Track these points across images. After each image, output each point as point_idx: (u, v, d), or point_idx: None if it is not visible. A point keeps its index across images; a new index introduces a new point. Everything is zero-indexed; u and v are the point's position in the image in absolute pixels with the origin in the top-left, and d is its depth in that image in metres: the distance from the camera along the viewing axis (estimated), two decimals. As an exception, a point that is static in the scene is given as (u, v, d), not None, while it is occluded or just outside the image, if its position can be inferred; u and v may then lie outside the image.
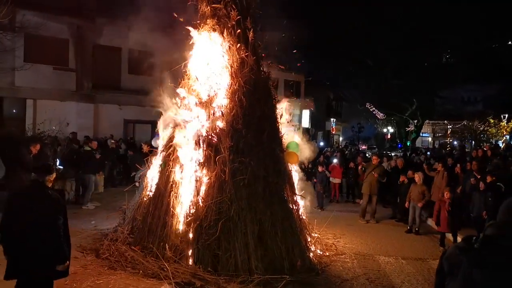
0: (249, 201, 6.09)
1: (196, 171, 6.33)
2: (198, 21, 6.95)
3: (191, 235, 5.96)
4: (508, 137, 30.73)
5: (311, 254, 6.78)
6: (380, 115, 39.88)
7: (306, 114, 30.15)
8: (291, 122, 8.33)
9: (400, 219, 10.48)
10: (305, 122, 29.67)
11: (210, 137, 6.41)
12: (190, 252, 5.89)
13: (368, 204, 10.44)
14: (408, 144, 34.98)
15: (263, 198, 6.22)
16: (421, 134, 39.85)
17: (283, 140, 7.33)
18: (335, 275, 6.39)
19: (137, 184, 8.40)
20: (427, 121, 38.42)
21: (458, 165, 11.14)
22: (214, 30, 6.78)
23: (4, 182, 7.62)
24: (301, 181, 8.13)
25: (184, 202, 6.27)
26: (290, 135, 7.79)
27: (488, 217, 8.23)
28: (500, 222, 1.97)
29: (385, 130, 45.92)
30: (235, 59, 6.64)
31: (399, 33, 28.67)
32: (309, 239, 7.22)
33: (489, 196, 8.26)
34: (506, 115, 30.48)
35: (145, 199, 7.10)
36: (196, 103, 6.67)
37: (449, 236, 8.48)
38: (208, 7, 6.83)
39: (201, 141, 6.43)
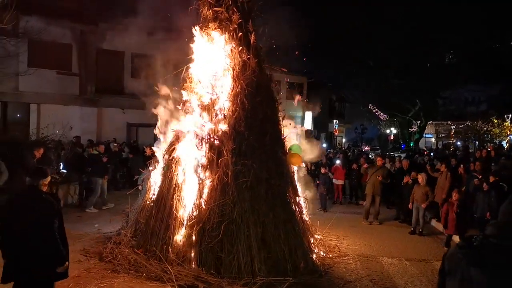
0: (252, 204, 6.10)
1: (198, 173, 6.35)
2: (200, 25, 6.98)
3: (194, 238, 5.97)
4: (512, 137, 30.58)
5: (314, 256, 6.78)
6: (383, 116, 39.82)
7: (309, 116, 30.12)
8: (294, 124, 8.34)
9: (404, 220, 10.45)
10: (308, 124, 29.63)
11: (212, 139, 6.43)
12: (193, 254, 5.90)
13: (372, 205, 10.41)
14: (411, 145, 34.88)
15: (265, 200, 6.23)
16: (424, 135, 39.72)
17: (285, 142, 7.35)
18: (338, 277, 6.38)
19: (139, 187, 8.43)
20: (430, 121, 38.30)
21: (462, 165, 11.10)
22: (216, 33, 6.80)
23: (8, 186, 7.67)
24: (304, 183, 8.13)
25: (187, 205, 6.29)
26: (294, 138, 7.81)
27: (492, 217, 8.20)
28: (500, 221, 1.98)
29: (388, 131, 45.81)
30: (237, 61, 6.67)
31: (400, 33, 28.66)
32: (312, 241, 7.22)
33: (492, 196, 8.23)
34: (510, 115, 30.34)
35: (148, 202, 7.12)
36: (198, 106, 6.70)
37: (456, 238, 8.35)
38: (210, 11, 6.86)
39: (203, 144, 6.45)
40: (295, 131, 8.43)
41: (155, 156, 7.79)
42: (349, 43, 29.77)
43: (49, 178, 4.06)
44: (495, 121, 30.58)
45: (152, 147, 8.23)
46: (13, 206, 3.89)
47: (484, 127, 30.79)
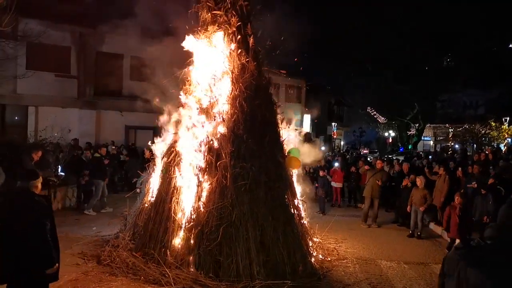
0: (251, 206, 6.09)
1: (197, 176, 6.34)
2: (199, 28, 7.00)
3: (192, 241, 5.96)
4: (510, 140, 30.62)
5: (313, 259, 6.78)
6: (381, 119, 39.87)
7: (307, 119, 30.18)
8: (293, 127, 8.34)
9: (402, 223, 10.45)
10: (307, 127, 29.69)
11: (211, 142, 6.43)
12: (191, 258, 5.89)
13: (370, 208, 10.42)
14: (409, 147, 34.93)
15: (264, 203, 6.23)
16: (422, 138, 39.78)
17: (284, 145, 7.35)
18: (337, 280, 6.37)
19: (138, 190, 8.42)
20: (428, 124, 38.38)
21: (460, 168, 11.12)
22: (215, 36, 6.82)
23: (5, 189, 7.64)
24: (303, 186, 8.14)
25: (186, 208, 6.28)
26: (294, 142, 7.82)
27: (489, 220, 8.20)
28: (499, 224, 1.99)
29: (386, 134, 45.86)
30: (236, 64, 6.68)
31: (399, 34, 28.68)
32: (310, 244, 7.21)
33: (489, 199, 8.24)
34: (508, 118, 30.41)
35: (146, 205, 7.11)
36: (197, 109, 6.70)
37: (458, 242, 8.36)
38: (209, 14, 6.88)
39: (202, 147, 6.45)
40: (294, 134, 8.43)
41: (153, 159, 7.78)
42: (347, 44, 29.81)
43: (40, 180, 4.03)
44: (493, 124, 30.65)
45: (151, 149, 8.23)
46: (5, 208, 3.88)
47: (482, 130, 30.84)
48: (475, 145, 31.00)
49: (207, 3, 6.88)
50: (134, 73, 18.01)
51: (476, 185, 9.03)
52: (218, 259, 5.81)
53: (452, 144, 35.41)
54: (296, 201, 7.21)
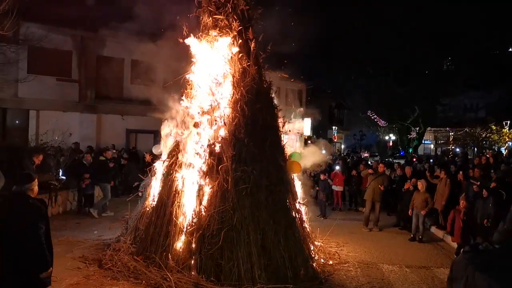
0: (252, 210, 6.09)
1: (198, 180, 6.35)
2: (200, 32, 7.02)
3: (193, 245, 5.95)
4: (510, 143, 30.60)
5: (315, 263, 6.75)
6: (382, 122, 39.90)
7: (307, 122, 30.18)
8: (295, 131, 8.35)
9: (404, 227, 10.43)
10: (307, 130, 29.69)
11: (212, 146, 6.44)
12: (192, 261, 5.88)
13: (371, 212, 10.40)
14: (410, 151, 34.92)
15: (266, 207, 6.23)
16: (423, 141, 39.79)
17: (285, 148, 7.36)
18: (339, 284, 6.35)
19: (140, 194, 8.42)
20: (429, 128, 38.38)
21: (461, 172, 11.11)
22: (216, 40, 6.84)
23: (5, 193, 7.64)
24: (304, 189, 8.14)
25: (187, 212, 6.28)
26: (294, 145, 7.83)
27: (489, 224, 8.16)
28: (507, 228, 1.99)
29: (387, 137, 45.88)
30: (237, 68, 6.70)
31: (399, 36, 28.69)
32: (312, 248, 7.20)
33: (490, 203, 8.22)
34: (508, 122, 30.40)
35: (147, 208, 7.11)
36: (198, 113, 6.72)
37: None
38: (210, 18, 6.91)
39: (203, 150, 6.45)
40: (295, 137, 8.45)
41: (154, 162, 7.79)
42: (347, 44, 29.84)
43: (36, 183, 4.01)
44: (494, 127, 30.64)
45: (152, 152, 8.24)
46: (2, 209, 3.88)
47: (483, 133, 30.84)
48: (475, 149, 30.99)
49: (209, 8, 6.91)
50: (134, 77, 18.06)
51: (477, 188, 8.99)
52: (219, 263, 5.80)
53: (453, 147, 35.41)
54: (297, 205, 7.21)
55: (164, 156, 7.34)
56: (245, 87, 6.61)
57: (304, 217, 7.48)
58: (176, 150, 6.91)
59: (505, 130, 30.46)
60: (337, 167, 13.49)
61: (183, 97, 7.05)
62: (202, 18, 7.08)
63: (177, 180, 6.55)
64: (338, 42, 29.46)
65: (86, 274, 6.11)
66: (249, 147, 6.37)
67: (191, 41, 6.88)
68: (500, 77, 31.29)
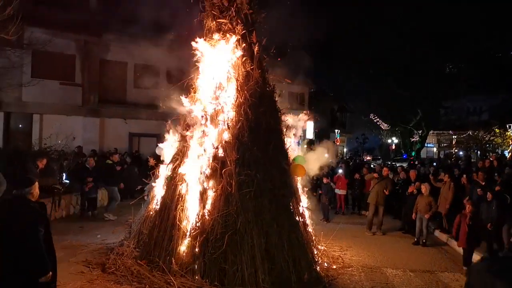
0: (256, 214, 6.08)
1: (202, 184, 6.35)
2: (204, 36, 7.04)
3: (197, 249, 5.94)
4: (514, 146, 30.47)
5: (318, 267, 6.73)
6: (384, 125, 39.83)
7: (310, 125, 30.17)
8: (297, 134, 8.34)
9: (407, 231, 10.39)
10: (310, 134, 29.68)
11: (216, 150, 6.44)
12: (196, 266, 5.86)
13: (375, 216, 10.37)
14: (413, 154, 34.82)
15: (269, 211, 6.21)
16: (426, 145, 39.66)
17: (289, 152, 7.36)
18: (343, 288, 6.33)
19: (145, 197, 8.43)
20: (431, 131, 38.28)
21: (464, 175, 11.07)
22: (220, 44, 6.86)
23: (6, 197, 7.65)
24: (307, 193, 8.12)
25: (191, 216, 6.27)
26: (297, 148, 7.84)
27: (493, 228, 8.12)
28: None
29: (389, 140, 45.78)
30: (241, 72, 6.71)
31: (399, 36, 28.64)
32: (315, 252, 7.18)
33: (493, 206, 8.17)
34: (512, 125, 30.35)
35: (151, 212, 7.11)
36: (202, 116, 6.73)
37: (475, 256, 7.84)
38: (214, 22, 6.93)
39: (207, 154, 6.46)
40: (298, 141, 8.44)
41: (158, 166, 7.80)
42: (348, 45, 29.76)
43: (36, 186, 4.00)
44: (497, 130, 30.52)
45: (155, 156, 8.26)
46: (2, 211, 3.88)
47: (486, 136, 30.73)
48: (479, 152, 30.88)
49: (212, 12, 6.93)
50: (138, 81, 18.13)
51: (481, 192, 8.96)
52: (223, 267, 5.77)
53: (456, 150, 35.30)
54: (300, 208, 7.20)
55: (167, 160, 7.34)
56: (249, 91, 6.62)
57: (308, 221, 7.47)
58: (179, 153, 6.92)
59: (508, 133, 30.34)
60: (340, 171, 13.47)
61: (187, 101, 7.06)
62: (205, 22, 7.10)
63: (181, 183, 6.55)
64: (338, 43, 29.40)
65: (89, 278, 6.10)
66: (253, 151, 6.37)
67: (199, 42, 6.87)
68: (503, 80, 31.19)
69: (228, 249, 5.79)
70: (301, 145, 8.55)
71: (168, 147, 7.58)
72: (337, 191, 12.94)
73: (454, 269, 7.68)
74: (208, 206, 6.18)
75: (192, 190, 6.41)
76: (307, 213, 7.53)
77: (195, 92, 7.06)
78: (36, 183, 4.03)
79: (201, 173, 6.42)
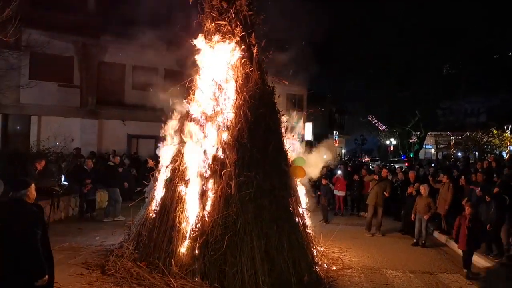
0: (255, 215, 6.07)
1: (202, 185, 6.34)
2: (203, 38, 7.04)
3: (197, 251, 5.93)
4: (512, 148, 30.52)
5: (318, 268, 6.73)
6: (382, 127, 39.90)
7: (308, 127, 30.21)
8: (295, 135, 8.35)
9: (406, 232, 10.39)
10: (308, 135, 29.71)
11: (215, 151, 6.44)
12: (196, 267, 5.85)
13: (374, 217, 10.37)
14: (411, 155, 34.88)
15: (269, 212, 6.21)
16: (424, 146, 39.73)
17: (288, 153, 7.36)
18: (343, 290, 6.32)
19: (146, 200, 8.41)
20: (429, 132, 38.33)
21: (463, 177, 11.09)
22: (219, 46, 6.86)
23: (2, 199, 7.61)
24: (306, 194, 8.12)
25: (190, 217, 6.26)
26: (296, 149, 7.83)
27: (493, 229, 8.12)
28: None
29: (388, 142, 45.87)
30: (240, 74, 6.72)
31: (400, 33, 28.63)
32: (315, 253, 7.18)
33: (492, 207, 8.18)
34: (510, 126, 30.33)
35: (150, 214, 7.09)
36: (201, 118, 6.72)
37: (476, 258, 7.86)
38: (213, 24, 6.93)
39: (207, 156, 6.45)
40: (296, 142, 8.45)
41: (157, 167, 7.77)
42: (348, 44, 29.71)
43: (33, 188, 3.96)
44: (495, 132, 30.59)
45: (154, 157, 8.24)
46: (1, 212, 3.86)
47: (484, 138, 30.79)
48: (477, 153, 30.94)
49: (211, 14, 6.94)
50: (136, 82, 18.12)
51: (480, 192, 8.97)
52: (223, 269, 5.77)
53: (454, 152, 35.36)
54: (300, 210, 7.19)
55: (166, 162, 7.33)
56: (248, 92, 6.62)
57: (308, 222, 7.46)
58: (179, 155, 6.91)
59: (506, 134, 30.40)
60: (339, 172, 13.48)
61: (186, 102, 7.06)
62: (204, 24, 7.10)
63: (180, 185, 6.54)
64: (338, 42, 29.32)
65: (89, 280, 6.08)
66: (252, 152, 6.36)
67: (193, 47, 6.88)
68: (501, 81, 31.27)
69: (228, 250, 5.78)
70: (300, 146, 8.56)
71: (167, 149, 7.56)
72: (336, 192, 12.95)
73: (453, 270, 7.68)
74: (208, 207, 6.18)
75: (191, 192, 6.40)
76: (306, 214, 7.52)
77: (194, 94, 7.05)
78: (33, 185, 3.99)
79: (200, 175, 6.42)
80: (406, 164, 25.31)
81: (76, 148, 15.26)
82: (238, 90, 6.66)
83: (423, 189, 9.53)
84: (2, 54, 13.14)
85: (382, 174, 10.88)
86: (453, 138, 37.56)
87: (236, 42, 6.80)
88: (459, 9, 27.06)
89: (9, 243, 3.67)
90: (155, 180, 7.62)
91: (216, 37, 6.87)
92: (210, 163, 6.40)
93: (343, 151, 46.53)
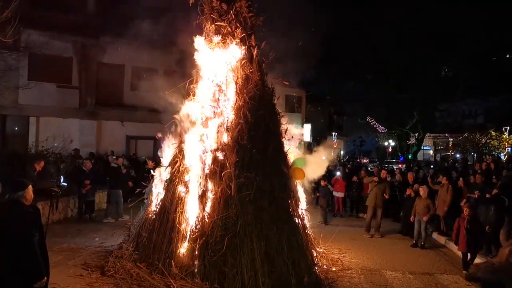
0: (255, 216, 6.07)
1: (202, 186, 6.34)
2: (203, 39, 7.05)
3: (197, 252, 5.92)
4: (510, 149, 30.58)
5: (318, 270, 6.73)
6: (381, 128, 39.96)
7: (307, 128, 30.22)
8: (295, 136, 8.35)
9: (406, 233, 10.41)
10: (307, 136, 29.72)
11: (215, 152, 6.44)
12: (196, 268, 5.85)
13: (373, 218, 10.38)
14: (409, 157, 34.94)
15: (269, 213, 6.21)
16: (422, 147, 39.80)
17: (288, 155, 7.36)
18: (343, 291, 6.33)
19: (145, 201, 8.39)
20: (428, 134, 38.41)
21: (461, 178, 11.10)
22: (219, 47, 6.87)
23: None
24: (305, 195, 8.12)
25: (190, 218, 6.26)
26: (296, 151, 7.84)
27: (492, 230, 8.14)
28: None
29: (386, 143, 45.93)
30: (240, 75, 6.72)
31: (398, 37, 28.71)
32: (315, 254, 7.18)
33: (491, 209, 8.20)
34: (508, 128, 30.42)
35: (150, 215, 7.08)
36: (201, 119, 6.73)
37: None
38: (213, 25, 6.94)
39: (207, 157, 6.45)
40: (295, 143, 8.45)
41: (156, 168, 7.77)
42: (346, 46, 29.77)
43: (30, 189, 3.93)
44: (493, 133, 30.66)
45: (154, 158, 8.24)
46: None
47: (483, 139, 30.85)
48: (475, 155, 31.00)
49: (211, 15, 6.94)
50: (135, 83, 18.11)
51: (479, 194, 9.00)
52: (223, 270, 5.76)
53: (453, 153, 35.42)
54: (300, 211, 7.20)
55: (166, 163, 7.33)
56: (248, 94, 6.62)
57: (307, 223, 7.47)
58: (178, 156, 6.91)
59: (504, 136, 30.48)
60: (338, 173, 13.49)
61: (186, 104, 7.06)
62: (204, 25, 7.10)
63: (180, 186, 6.54)
64: (337, 44, 29.36)
65: (88, 281, 6.07)
66: (252, 154, 6.37)
67: (198, 45, 6.87)
68: (499, 83, 31.38)
69: (227, 252, 5.78)
70: (299, 147, 8.57)
71: (167, 150, 7.56)
72: (335, 193, 12.96)
73: (452, 271, 7.70)
74: (208, 208, 6.17)
75: (191, 193, 6.40)
76: (306, 216, 7.53)
77: (194, 95, 7.05)
78: (30, 186, 3.96)
79: (200, 176, 6.42)
80: (400, 165, 25.39)
81: (74, 149, 15.23)
82: (238, 91, 6.67)
83: (422, 191, 9.55)
84: (1, 55, 13.12)
85: (382, 176, 10.90)
86: (451, 139, 37.63)
87: (236, 44, 6.80)
88: (457, 13, 27.15)
89: (8, 244, 3.66)
90: (154, 181, 7.60)
91: (216, 39, 6.88)
92: (210, 164, 6.40)
93: (342, 152, 46.58)
